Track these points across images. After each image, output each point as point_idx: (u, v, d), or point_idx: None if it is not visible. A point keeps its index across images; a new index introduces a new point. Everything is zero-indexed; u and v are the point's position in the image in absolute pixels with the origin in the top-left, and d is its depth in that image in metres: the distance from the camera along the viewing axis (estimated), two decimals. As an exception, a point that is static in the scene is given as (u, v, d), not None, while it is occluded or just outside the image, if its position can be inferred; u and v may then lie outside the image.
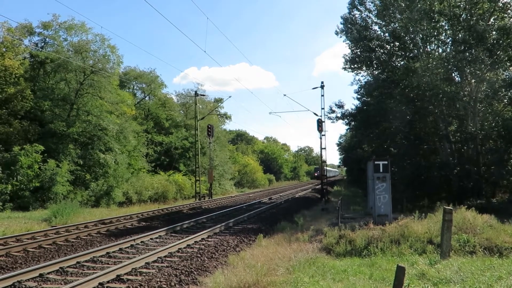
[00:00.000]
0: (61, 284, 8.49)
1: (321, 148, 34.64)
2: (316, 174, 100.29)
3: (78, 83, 32.67)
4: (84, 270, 9.85)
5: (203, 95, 52.59)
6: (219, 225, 16.54)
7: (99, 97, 32.87)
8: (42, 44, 34.37)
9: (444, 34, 24.44)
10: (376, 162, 16.02)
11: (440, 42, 24.88)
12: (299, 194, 41.20)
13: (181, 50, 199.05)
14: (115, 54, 35.43)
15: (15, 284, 8.35)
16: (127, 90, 47.89)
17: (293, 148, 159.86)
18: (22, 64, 31.47)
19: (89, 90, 32.73)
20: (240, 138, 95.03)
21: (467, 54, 21.55)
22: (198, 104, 44.42)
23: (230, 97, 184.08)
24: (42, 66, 33.32)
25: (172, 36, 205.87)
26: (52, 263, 9.79)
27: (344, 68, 28.62)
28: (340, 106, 30.41)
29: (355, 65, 28.15)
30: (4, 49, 29.70)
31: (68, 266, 9.92)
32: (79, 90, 32.55)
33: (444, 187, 23.12)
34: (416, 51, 24.64)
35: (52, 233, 15.26)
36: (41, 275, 9.06)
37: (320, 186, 40.04)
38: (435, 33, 23.85)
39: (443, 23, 23.45)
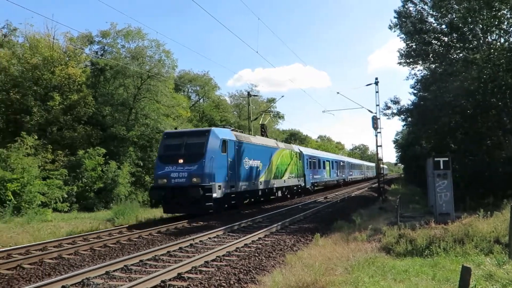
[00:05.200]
0: (126, 282, 8.82)
1: (377, 146, 33.87)
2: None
3: (135, 88, 33.93)
4: (146, 268, 10.19)
5: (256, 96, 52.96)
6: (275, 225, 16.58)
7: (155, 101, 33.97)
8: (102, 52, 36.04)
9: (506, 23, 23.19)
10: (436, 159, 15.47)
11: (502, 31, 23.64)
12: (355, 193, 40.51)
13: (234, 52, 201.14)
14: (170, 59, 36.62)
15: (83, 281, 8.78)
16: (182, 93, 49.16)
17: (348, 146, 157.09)
18: (84, 71, 33.13)
19: (146, 95, 33.92)
20: (293, 138, 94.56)
21: (533, 42, 20.39)
22: (251, 105, 44.75)
23: (282, 96, 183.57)
24: (102, 73, 34.86)
25: (225, 38, 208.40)
26: (116, 261, 10.20)
27: (399, 63, 27.78)
28: (396, 102, 29.51)
29: (411, 59, 27.27)
30: (67, 58, 31.39)
31: (132, 264, 10.29)
32: (136, 95, 33.79)
33: (511, 184, 21.92)
34: (475, 42, 23.53)
35: (115, 233, 15.91)
36: (107, 272, 9.46)
37: (376, 184, 39.18)
38: (496, 23, 22.68)
39: (505, 11, 22.27)
